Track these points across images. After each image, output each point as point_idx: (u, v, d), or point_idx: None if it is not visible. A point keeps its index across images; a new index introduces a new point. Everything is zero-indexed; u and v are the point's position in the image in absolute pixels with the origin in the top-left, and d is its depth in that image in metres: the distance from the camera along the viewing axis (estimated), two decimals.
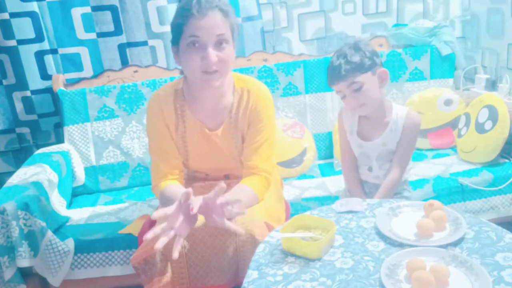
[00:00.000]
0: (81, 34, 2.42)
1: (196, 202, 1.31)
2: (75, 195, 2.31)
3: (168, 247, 1.42)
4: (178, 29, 1.46)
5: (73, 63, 2.45)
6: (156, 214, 1.27)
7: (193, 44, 1.43)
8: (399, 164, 1.68)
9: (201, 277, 1.47)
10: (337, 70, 1.59)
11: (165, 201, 1.53)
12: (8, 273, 1.76)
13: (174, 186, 1.56)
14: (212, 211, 1.33)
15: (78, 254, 1.86)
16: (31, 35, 2.35)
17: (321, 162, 2.47)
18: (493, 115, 2.12)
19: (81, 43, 2.43)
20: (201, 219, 1.44)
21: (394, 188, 1.69)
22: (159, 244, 1.25)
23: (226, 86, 1.58)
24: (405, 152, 1.69)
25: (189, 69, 1.48)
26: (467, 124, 2.28)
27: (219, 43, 1.43)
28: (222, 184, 1.28)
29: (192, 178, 1.78)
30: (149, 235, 1.25)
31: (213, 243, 1.45)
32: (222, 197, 1.30)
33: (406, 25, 2.63)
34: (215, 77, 1.45)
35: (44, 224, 1.79)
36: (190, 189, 1.29)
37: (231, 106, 1.59)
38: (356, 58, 1.58)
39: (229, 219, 1.36)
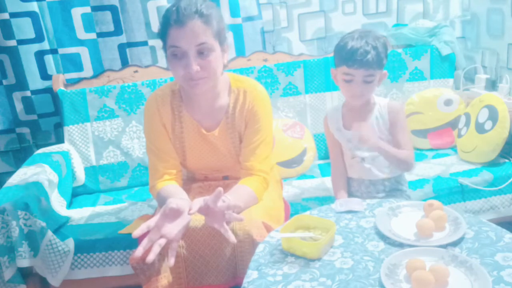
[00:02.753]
0: (81, 34, 2.41)
1: (196, 203, 1.31)
2: (75, 195, 2.31)
3: (166, 248, 1.42)
4: (162, 39, 1.47)
5: (73, 63, 2.45)
6: (137, 233, 1.28)
7: (175, 54, 1.43)
8: (405, 146, 1.68)
9: (199, 277, 1.47)
10: (364, 55, 1.54)
11: (162, 201, 1.54)
12: (8, 273, 1.76)
13: (171, 187, 1.56)
14: (212, 213, 1.34)
15: (78, 254, 1.86)
16: (31, 35, 2.35)
17: (321, 162, 2.47)
18: (493, 115, 2.12)
19: (81, 43, 2.43)
20: (199, 219, 1.45)
21: (404, 158, 1.65)
22: (151, 256, 1.26)
23: (222, 86, 1.58)
24: (403, 135, 1.69)
25: (175, 77, 1.50)
26: (467, 124, 2.28)
27: (201, 52, 1.42)
28: (220, 188, 1.29)
29: (191, 179, 1.78)
30: (138, 252, 1.27)
31: (211, 243, 1.45)
32: (222, 202, 1.31)
33: (406, 25, 2.63)
34: (201, 83, 1.45)
35: (44, 224, 1.78)
36: (174, 205, 1.32)
37: (227, 107, 1.59)
38: (382, 53, 1.59)
39: (228, 223, 1.37)
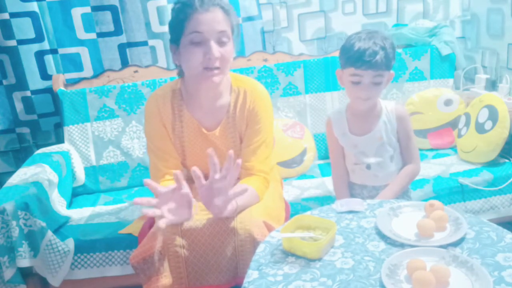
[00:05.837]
0: (81, 34, 2.41)
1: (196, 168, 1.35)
2: (75, 195, 2.31)
3: (167, 246, 1.42)
4: (179, 26, 1.46)
5: (73, 63, 2.44)
6: (147, 182, 1.32)
7: (195, 40, 1.43)
8: (412, 155, 1.69)
9: (200, 277, 1.47)
10: (373, 56, 1.52)
11: None
12: (8, 273, 1.76)
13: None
14: (215, 194, 1.35)
15: (78, 254, 1.86)
16: (31, 35, 2.35)
17: (321, 162, 2.47)
18: (493, 115, 2.12)
19: (81, 43, 2.42)
20: (200, 219, 1.45)
21: (411, 178, 1.70)
22: (149, 211, 1.30)
23: (224, 85, 1.58)
24: (411, 143, 1.69)
25: (190, 66, 1.48)
26: (467, 124, 2.28)
27: (221, 40, 1.44)
28: (211, 152, 1.33)
29: (191, 179, 1.78)
30: (138, 200, 1.30)
31: (212, 242, 1.45)
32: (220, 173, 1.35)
33: (406, 25, 2.63)
34: (216, 74, 1.45)
35: (44, 224, 1.78)
36: (178, 171, 1.34)
37: (228, 106, 1.59)
38: (391, 53, 1.56)
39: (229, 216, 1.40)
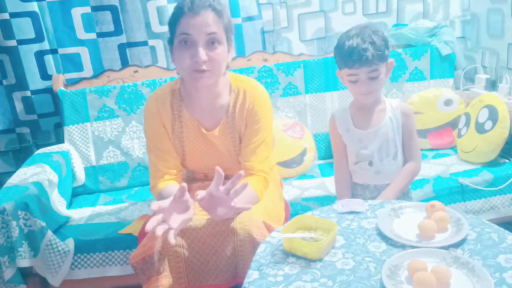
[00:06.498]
0: (81, 34, 2.41)
1: (200, 192, 1.32)
2: (75, 195, 2.31)
3: (166, 246, 1.42)
4: (171, 27, 1.48)
5: (73, 63, 2.44)
6: (153, 207, 1.26)
7: (185, 42, 1.44)
8: (413, 153, 1.69)
9: (199, 277, 1.47)
10: (363, 53, 1.52)
11: None
12: (8, 273, 1.76)
13: (172, 187, 1.56)
14: (216, 204, 1.34)
15: (78, 254, 1.86)
16: (31, 35, 2.34)
17: (321, 162, 2.47)
18: (493, 115, 2.12)
19: (81, 43, 2.42)
20: (200, 219, 1.45)
21: (412, 176, 1.70)
22: (159, 231, 1.24)
23: (223, 85, 1.58)
24: (413, 141, 1.69)
25: (180, 68, 1.49)
26: (467, 124, 2.28)
27: (211, 42, 1.44)
28: (218, 168, 1.30)
29: (191, 179, 1.78)
30: (149, 225, 1.25)
31: (211, 242, 1.45)
32: (228, 184, 1.32)
33: (406, 25, 2.63)
34: (205, 76, 1.45)
35: (44, 224, 1.78)
36: (184, 184, 1.29)
37: (227, 106, 1.59)
38: (382, 46, 1.56)
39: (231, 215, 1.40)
